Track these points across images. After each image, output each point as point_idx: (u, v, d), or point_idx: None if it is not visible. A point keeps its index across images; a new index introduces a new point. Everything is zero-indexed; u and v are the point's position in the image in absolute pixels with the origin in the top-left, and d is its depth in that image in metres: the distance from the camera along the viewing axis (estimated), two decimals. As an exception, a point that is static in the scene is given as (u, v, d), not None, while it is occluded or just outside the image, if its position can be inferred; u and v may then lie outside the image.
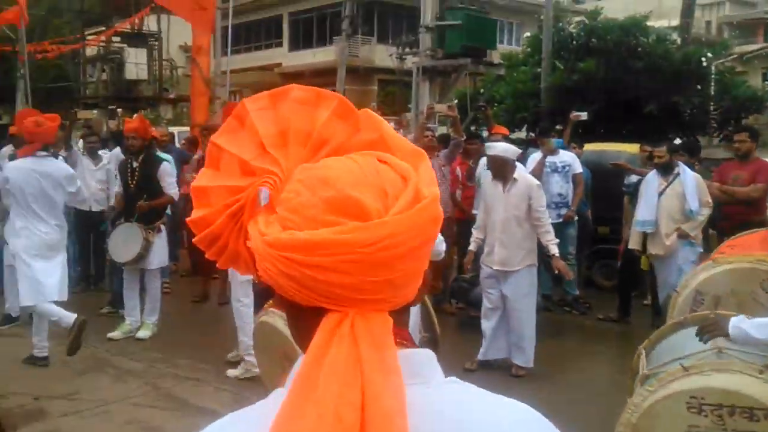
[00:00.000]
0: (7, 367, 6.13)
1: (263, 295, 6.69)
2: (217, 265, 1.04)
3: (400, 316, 0.92)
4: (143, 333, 6.91)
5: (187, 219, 1.01)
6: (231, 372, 5.98)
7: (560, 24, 16.52)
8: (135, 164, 6.96)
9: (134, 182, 6.92)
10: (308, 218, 0.87)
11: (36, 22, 24.72)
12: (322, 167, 0.91)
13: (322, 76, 27.34)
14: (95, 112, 25.22)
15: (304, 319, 0.91)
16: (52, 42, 23.63)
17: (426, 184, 0.89)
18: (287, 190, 0.91)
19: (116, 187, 7.38)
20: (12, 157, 7.70)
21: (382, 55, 25.79)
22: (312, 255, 0.85)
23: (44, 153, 6.09)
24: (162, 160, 7.18)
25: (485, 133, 9.91)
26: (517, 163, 6.21)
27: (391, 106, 23.07)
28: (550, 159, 7.97)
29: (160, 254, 7.05)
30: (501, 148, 6.24)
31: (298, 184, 0.90)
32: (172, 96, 23.47)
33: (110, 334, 6.91)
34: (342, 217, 0.86)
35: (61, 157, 7.47)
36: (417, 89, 14.78)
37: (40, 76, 29.50)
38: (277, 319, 3.91)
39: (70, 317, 5.83)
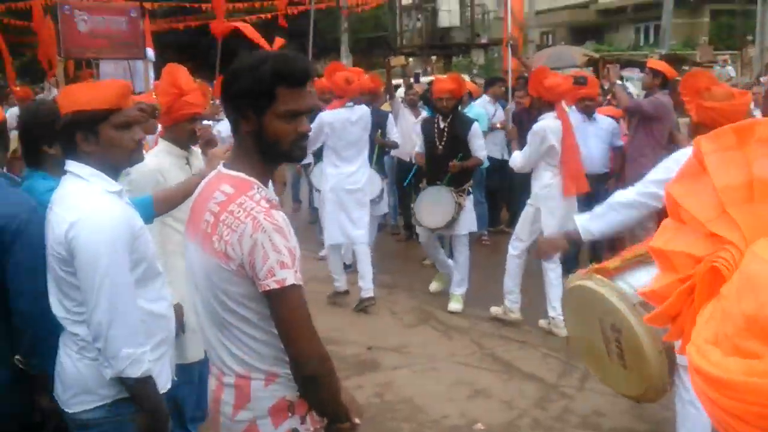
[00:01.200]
0: (342, 314, 6.45)
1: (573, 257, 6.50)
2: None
3: None
4: (454, 306, 6.49)
5: (639, 290, 0.92)
6: (494, 309, 6.22)
7: None
8: (443, 125, 6.47)
9: (442, 144, 6.45)
10: (726, 337, 0.65)
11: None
12: None
13: (645, 11, 25.37)
14: (411, 59, 26.19)
15: None
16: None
17: None
18: (731, 280, 0.67)
19: (417, 147, 6.88)
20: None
21: (716, -19, 23.15)
22: (718, 394, 0.64)
23: (351, 104, 6.41)
24: (472, 120, 6.70)
25: None
26: None
27: (725, 40, 20.56)
28: None
29: (468, 219, 6.49)
30: None
31: (737, 276, 0.67)
32: (484, 41, 23.37)
33: (431, 287, 6.96)
34: (764, 345, 0.61)
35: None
36: (763, 19, 12.82)
37: (361, 27, 31.47)
38: (605, 288, 3.53)
39: (342, 285, 6.51)
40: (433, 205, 6.37)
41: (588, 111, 6.42)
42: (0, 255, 2.47)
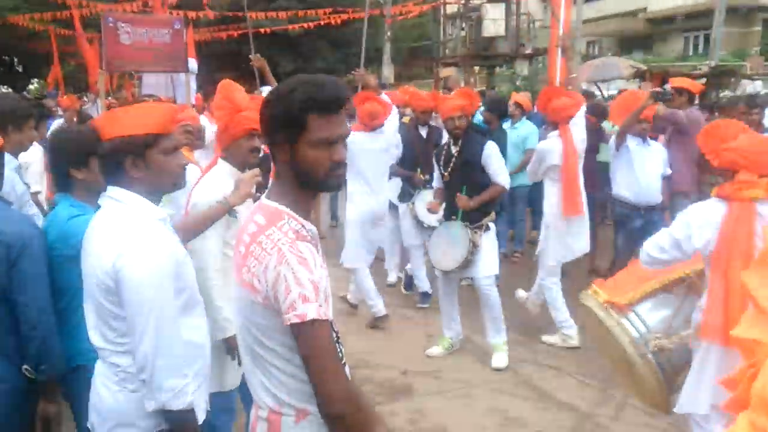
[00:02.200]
0: (378, 336, 6.42)
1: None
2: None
3: None
4: (499, 361, 5.62)
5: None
6: (546, 338, 6.09)
7: None
8: (454, 149, 5.58)
9: (448, 172, 5.60)
10: (748, 416, 0.72)
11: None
12: None
13: (695, 19, 24.83)
14: (454, 69, 26.00)
15: None
16: (416, 3, 24.72)
17: None
18: None
19: (434, 182, 6.10)
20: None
21: (768, -10, 22.53)
22: None
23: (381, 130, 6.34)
24: (485, 140, 5.58)
25: None
26: None
27: (778, 51, 20.00)
28: None
29: (488, 260, 5.56)
30: None
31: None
32: (528, 51, 23.06)
33: (430, 351, 5.91)
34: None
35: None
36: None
37: (404, 36, 31.37)
38: (619, 330, 3.59)
39: (380, 310, 6.44)
40: (446, 245, 5.57)
41: (643, 134, 6.17)
42: (8, 269, 2.61)
